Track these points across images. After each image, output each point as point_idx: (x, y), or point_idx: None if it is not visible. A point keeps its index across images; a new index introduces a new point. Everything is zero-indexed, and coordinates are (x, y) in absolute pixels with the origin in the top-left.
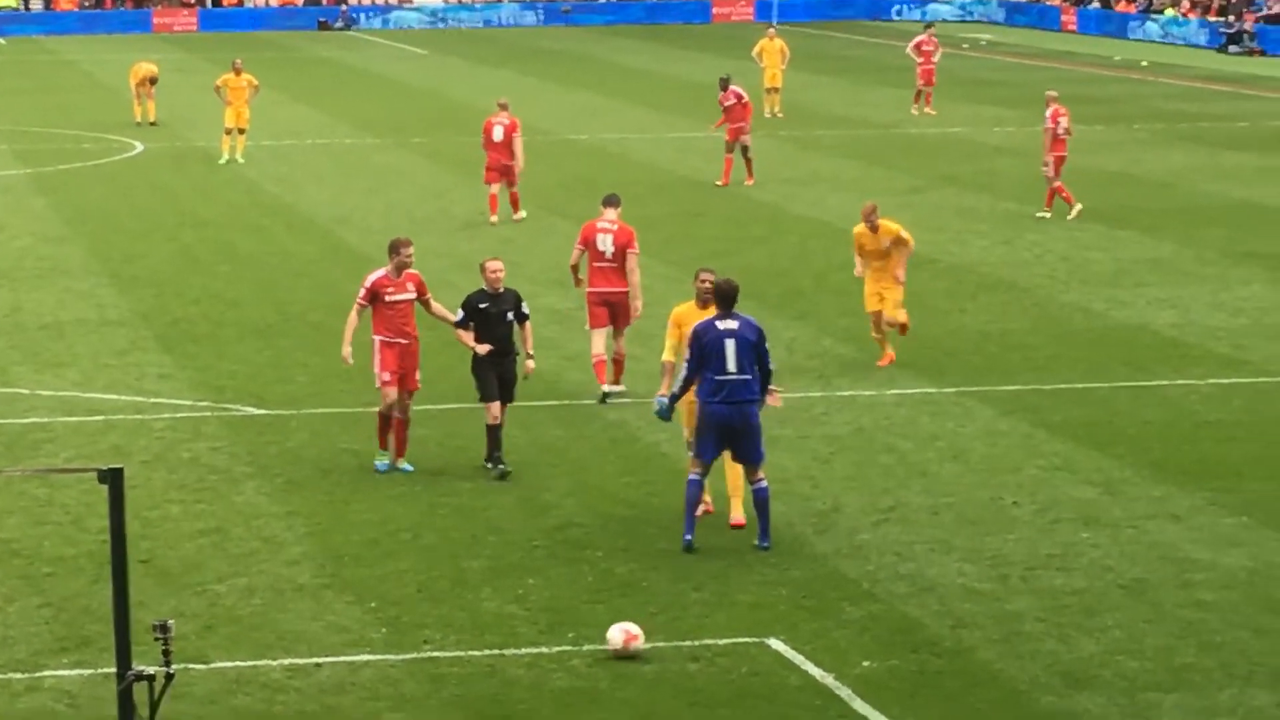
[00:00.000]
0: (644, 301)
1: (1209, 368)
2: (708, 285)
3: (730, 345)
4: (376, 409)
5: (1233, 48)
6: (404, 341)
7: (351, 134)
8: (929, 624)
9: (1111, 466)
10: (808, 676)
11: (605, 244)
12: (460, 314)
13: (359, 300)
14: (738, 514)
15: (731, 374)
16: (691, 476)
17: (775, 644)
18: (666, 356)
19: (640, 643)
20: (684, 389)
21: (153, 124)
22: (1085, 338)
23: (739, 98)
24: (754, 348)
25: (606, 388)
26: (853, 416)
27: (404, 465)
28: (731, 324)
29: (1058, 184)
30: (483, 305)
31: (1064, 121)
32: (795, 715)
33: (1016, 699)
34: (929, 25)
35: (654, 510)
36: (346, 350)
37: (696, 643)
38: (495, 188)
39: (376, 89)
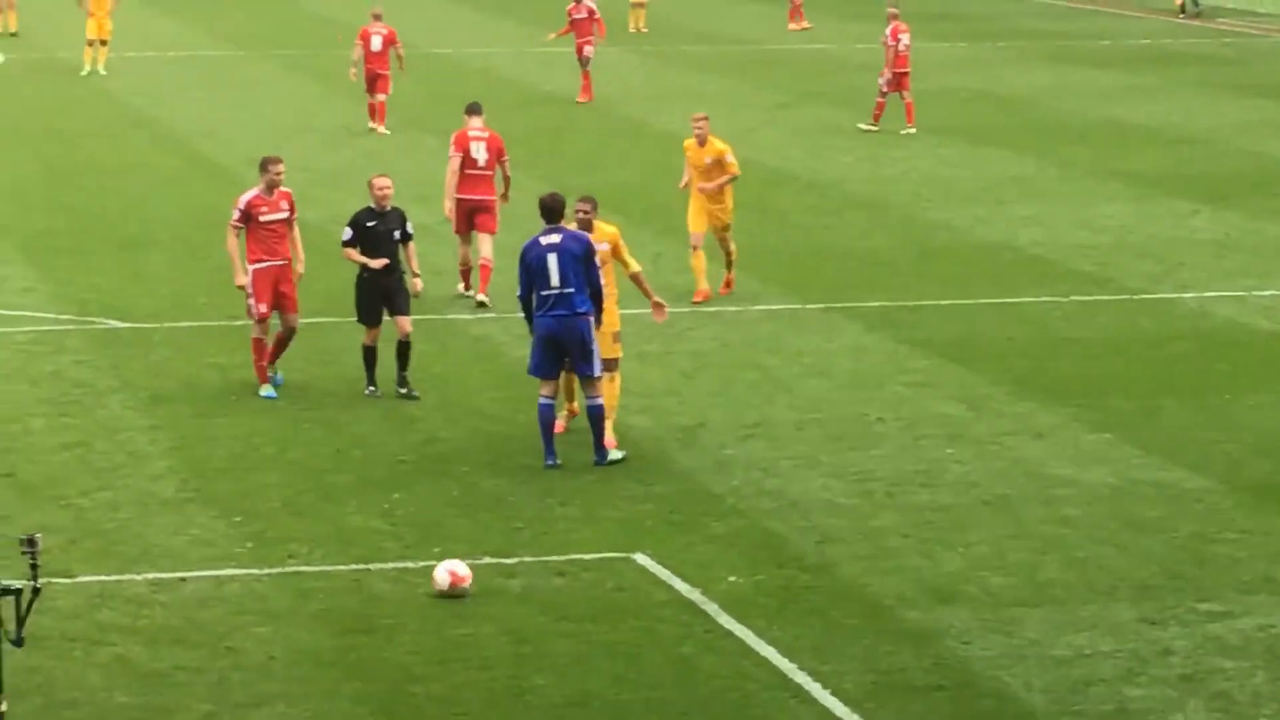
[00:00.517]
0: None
1: (1072, 285)
2: (585, 217)
3: (553, 259)
4: (252, 335)
5: None
6: (279, 263)
7: (216, 46)
8: (794, 540)
9: (976, 383)
10: (674, 591)
11: (479, 151)
12: (348, 233)
13: (234, 223)
14: (608, 436)
15: (555, 288)
16: (540, 399)
17: (641, 559)
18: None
19: (468, 584)
20: (523, 310)
21: (13, 34)
22: (949, 255)
23: (590, 12)
24: (578, 260)
25: (469, 293)
26: (718, 332)
27: (278, 376)
28: (554, 238)
29: (906, 99)
30: (370, 224)
31: (905, 38)
32: (662, 630)
33: (882, 614)
34: None
35: (520, 426)
36: (243, 278)
37: (563, 558)
38: (374, 98)
39: (240, 1)
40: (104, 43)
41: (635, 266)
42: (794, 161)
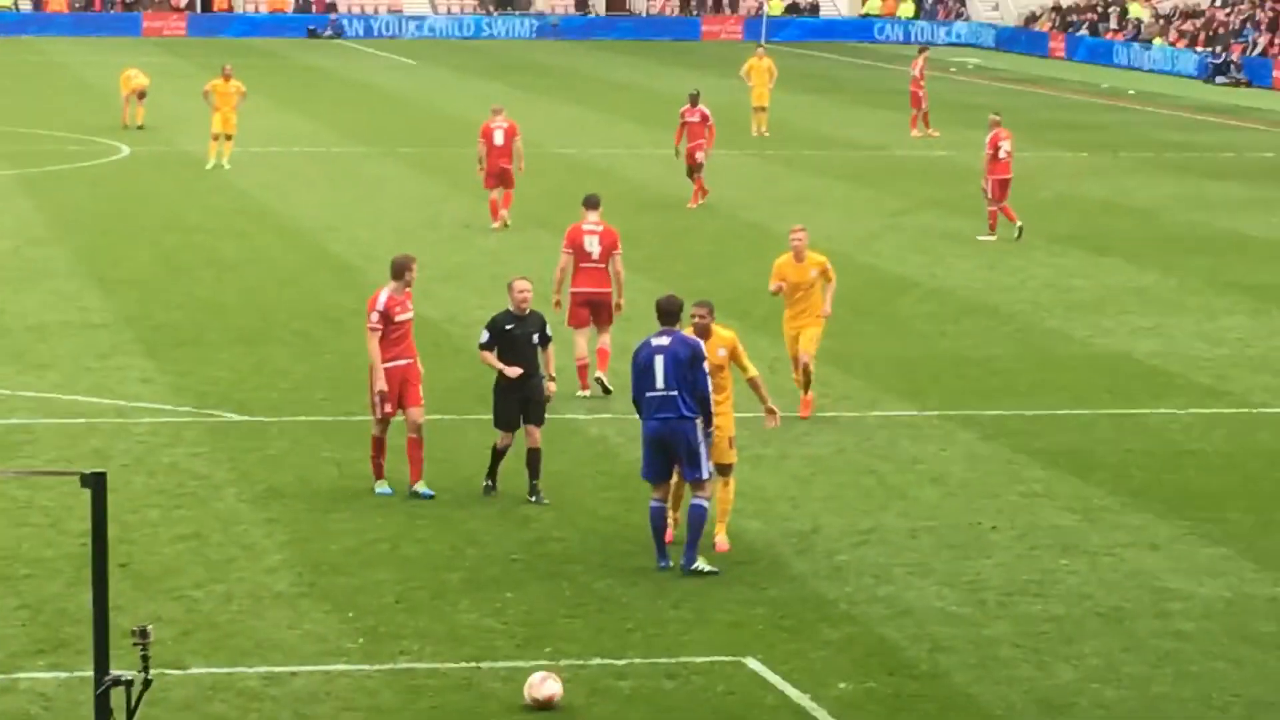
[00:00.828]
0: (627, 316)
1: (1191, 397)
2: (701, 322)
3: (659, 361)
4: (374, 434)
5: (1219, 78)
6: (407, 361)
7: (339, 142)
8: (906, 647)
9: (1091, 494)
10: (784, 697)
11: (593, 245)
12: (485, 335)
13: (374, 325)
14: (721, 539)
15: (659, 390)
16: (652, 501)
17: (752, 663)
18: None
19: (554, 686)
20: (636, 409)
21: (140, 128)
22: (1067, 364)
23: (704, 117)
24: (684, 365)
25: (587, 393)
26: (834, 437)
27: (423, 489)
28: (664, 340)
29: (1003, 205)
30: (509, 327)
31: (1005, 145)
32: None
33: None
34: (922, 48)
35: (633, 527)
36: (383, 384)
37: (673, 660)
38: (495, 193)
39: (365, 98)
40: (229, 137)
41: (753, 371)
42: (913, 268)
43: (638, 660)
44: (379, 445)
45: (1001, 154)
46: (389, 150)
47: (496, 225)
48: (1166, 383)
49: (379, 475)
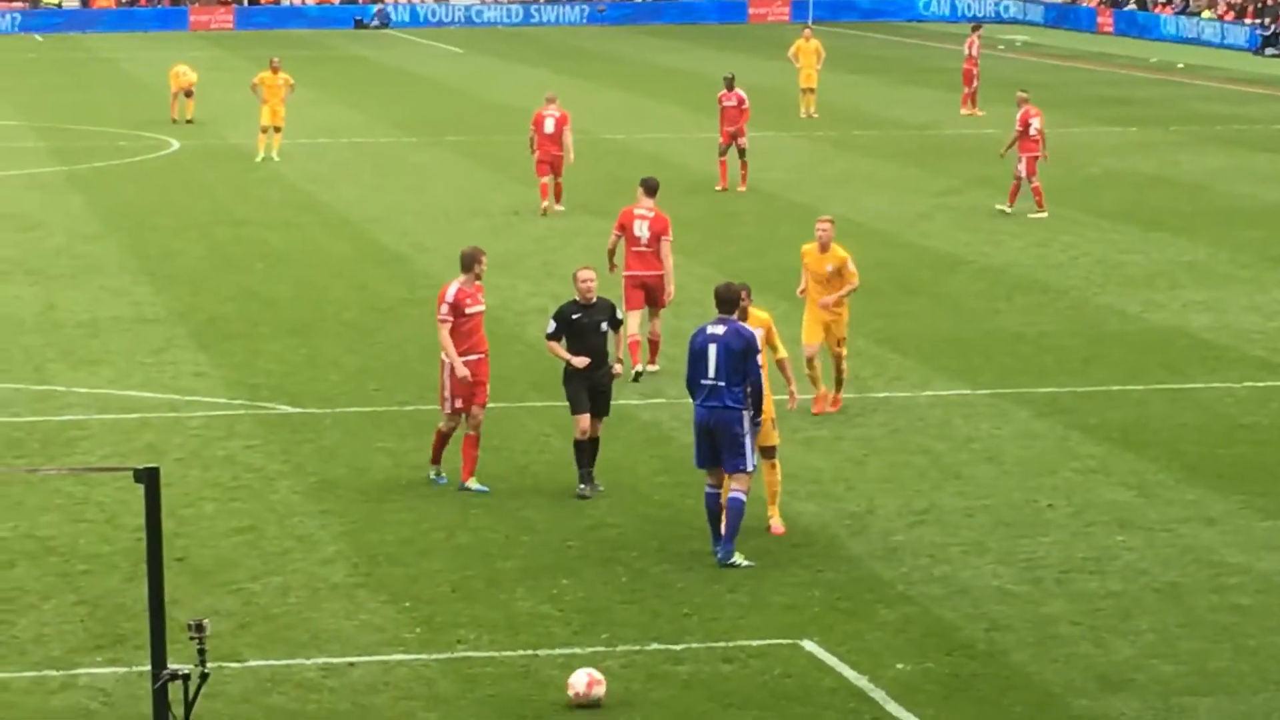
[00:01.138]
0: (677, 299)
1: (1245, 371)
2: (721, 284)
3: (713, 350)
4: (440, 427)
5: (1269, 50)
6: (478, 356)
7: (387, 133)
8: (963, 626)
9: (1147, 469)
10: (842, 679)
11: (642, 230)
12: (552, 325)
13: (444, 317)
14: (775, 522)
15: (711, 379)
16: (706, 488)
17: (809, 646)
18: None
19: (601, 689)
20: (690, 394)
21: (189, 122)
22: (1120, 340)
23: (740, 101)
24: (737, 355)
25: (640, 367)
26: (887, 418)
27: (475, 485)
28: (720, 329)
29: (1035, 184)
30: (575, 316)
31: (1036, 123)
32: (829, 718)
33: (1051, 702)
34: (975, 26)
35: (688, 511)
36: (464, 370)
37: (730, 644)
38: (546, 179)
39: (412, 88)
40: (277, 129)
41: (783, 353)
42: (964, 246)
43: (695, 645)
44: (443, 438)
45: (1032, 131)
46: (436, 139)
47: (545, 206)
48: (1220, 357)
49: (436, 461)
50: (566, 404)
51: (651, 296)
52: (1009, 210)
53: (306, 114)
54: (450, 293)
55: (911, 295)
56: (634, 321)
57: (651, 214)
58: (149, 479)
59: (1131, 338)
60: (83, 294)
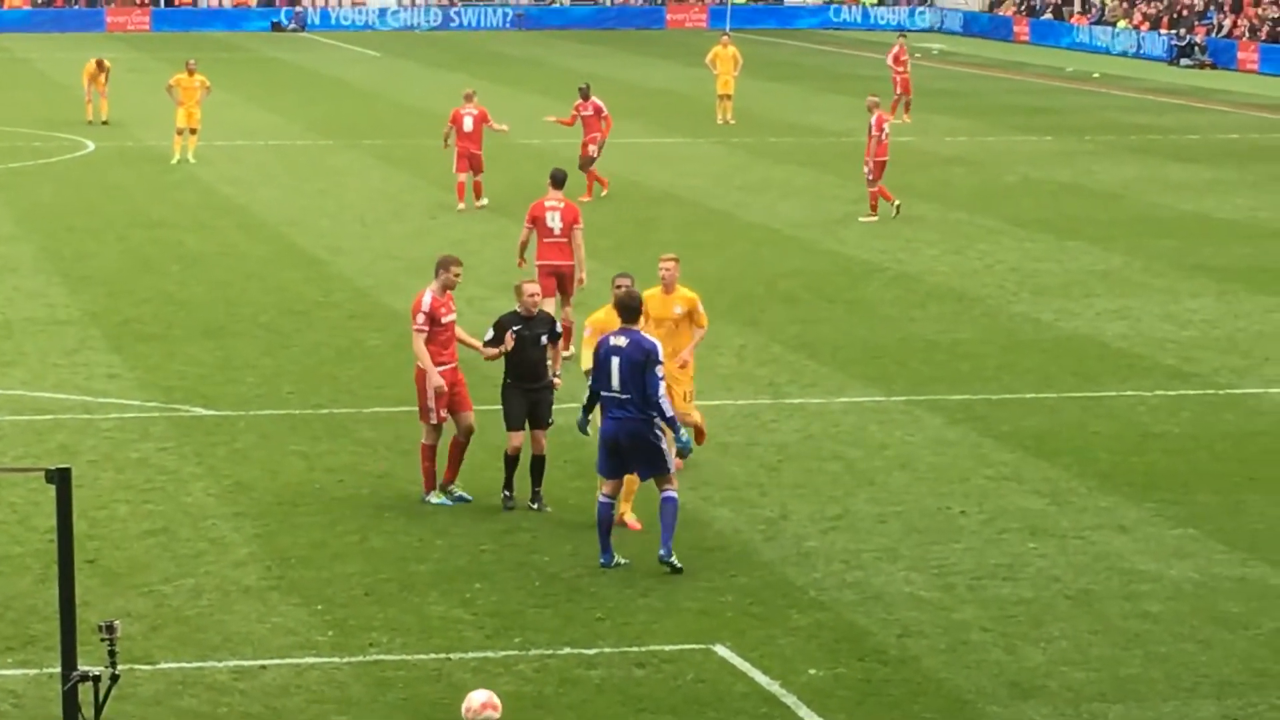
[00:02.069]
0: (588, 300)
1: (1157, 379)
2: (623, 292)
3: (615, 362)
4: (424, 441)
5: (1184, 60)
6: (452, 364)
7: (304, 135)
8: (876, 632)
9: (1059, 477)
10: (754, 684)
11: (554, 220)
12: (490, 334)
13: (420, 326)
14: (630, 518)
15: (614, 391)
16: (600, 497)
17: (721, 651)
18: (585, 365)
19: (492, 715)
20: (590, 403)
21: (104, 123)
22: (1034, 348)
23: (598, 110)
24: (639, 368)
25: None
26: (801, 424)
27: (460, 492)
28: (622, 341)
29: (879, 186)
30: (516, 327)
31: (887, 128)
32: None
33: (962, 708)
34: (902, 34)
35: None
36: (439, 380)
37: (643, 649)
38: (464, 176)
39: (329, 91)
40: (193, 131)
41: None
42: (880, 254)
43: (607, 649)
44: (430, 453)
45: (884, 136)
46: (353, 143)
47: (462, 207)
48: (1133, 365)
49: (430, 486)
50: (488, 411)
51: (564, 285)
52: (892, 211)
53: (223, 116)
54: (426, 302)
55: (827, 302)
56: (549, 309)
57: (561, 204)
58: (61, 480)
59: (1045, 345)
60: None
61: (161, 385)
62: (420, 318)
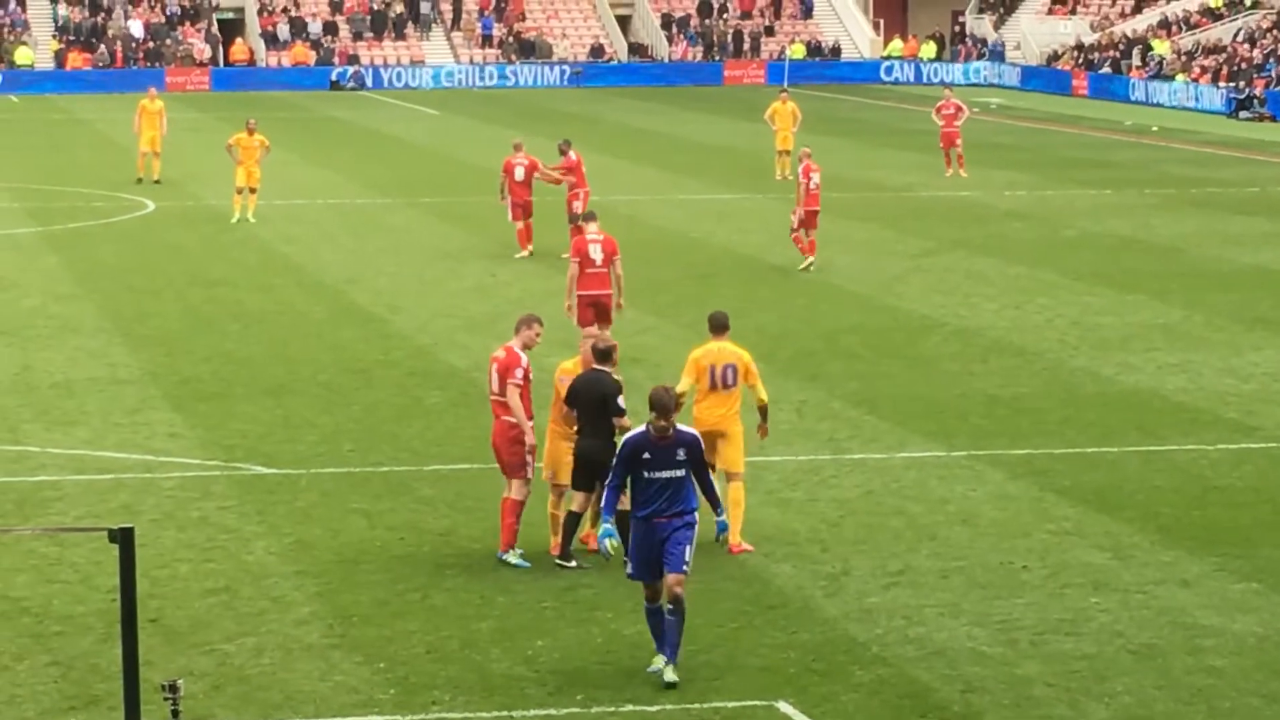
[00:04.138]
0: (653, 359)
1: (1219, 433)
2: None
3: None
4: (515, 496)
5: (1243, 113)
6: (532, 423)
7: (362, 194)
8: (938, 688)
9: (1121, 531)
10: None
11: (596, 253)
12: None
13: (519, 382)
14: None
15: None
16: (646, 606)
17: (784, 707)
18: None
19: None
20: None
21: (156, 182)
22: (1095, 402)
23: (575, 166)
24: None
25: None
26: (862, 479)
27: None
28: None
29: (810, 237)
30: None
31: (815, 178)
32: None
33: None
34: (948, 88)
35: None
36: (533, 438)
37: (705, 705)
38: (520, 224)
39: (387, 149)
40: (253, 190)
41: (762, 395)
42: (939, 308)
43: (670, 706)
44: (517, 510)
45: (812, 185)
46: (412, 200)
47: (524, 254)
48: (1194, 419)
49: (511, 544)
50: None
51: (602, 314)
52: (804, 265)
53: (282, 175)
54: (524, 360)
55: (887, 357)
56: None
57: (601, 237)
58: (123, 539)
59: (1106, 400)
60: (58, 354)
61: (222, 444)
62: (519, 373)
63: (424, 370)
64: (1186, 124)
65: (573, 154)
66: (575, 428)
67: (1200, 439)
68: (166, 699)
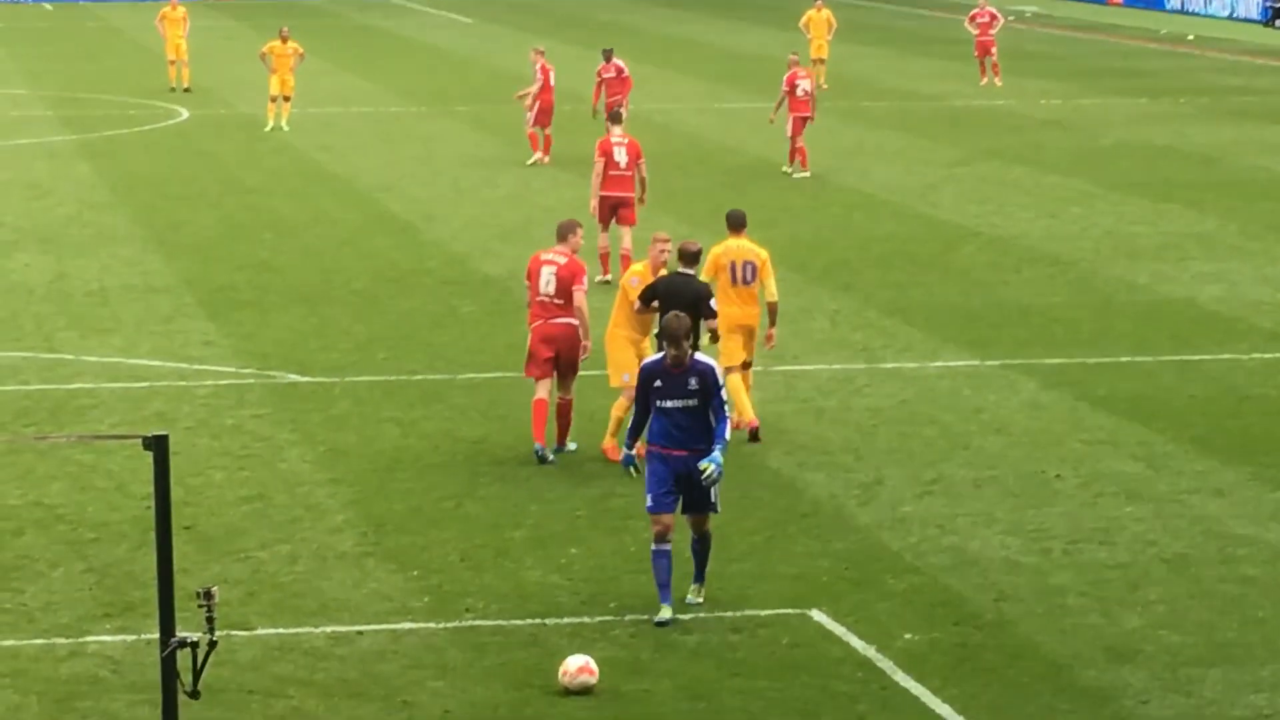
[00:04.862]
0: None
1: (1254, 342)
2: (663, 256)
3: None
4: (568, 396)
5: (1279, 22)
6: None
7: (396, 102)
8: (971, 597)
9: (1155, 441)
10: (849, 648)
11: (620, 155)
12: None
13: (584, 288)
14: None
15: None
16: (654, 547)
17: (817, 615)
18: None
19: (588, 680)
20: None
21: (186, 90)
22: (1130, 311)
23: (619, 71)
24: (708, 398)
25: (606, 278)
26: (896, 389)
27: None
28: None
29: (800, 145)
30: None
31: (804, 84)
32: (837, 687)
33: (1058, 673)
34: None
35: None
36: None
37: (738, 613)
38: (537, 130)
39: (421, 57)
40: (287, 98)
41: (773, 294)
42: (974, 218)
43: (703, 614)
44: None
45: (799, 92)
46: (446, 109)
47: (537, 158)
48: (1229, 328)
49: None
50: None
51: (623, 215)
52: (788, 170)
53: (316, 83)
54: (585, 268)
55: (921, 267)
56: (604, 236)
57: (626, 140)
58: (158, 446)
59: (1141, 309)
60: (93, 262)
61: (256, 352)
62: (585, 280)
63: (458, 278)
64: (1222, 32)
65: (617, 61)
66: (653, 331)
67: (1235, 348)
68: (201, 606)
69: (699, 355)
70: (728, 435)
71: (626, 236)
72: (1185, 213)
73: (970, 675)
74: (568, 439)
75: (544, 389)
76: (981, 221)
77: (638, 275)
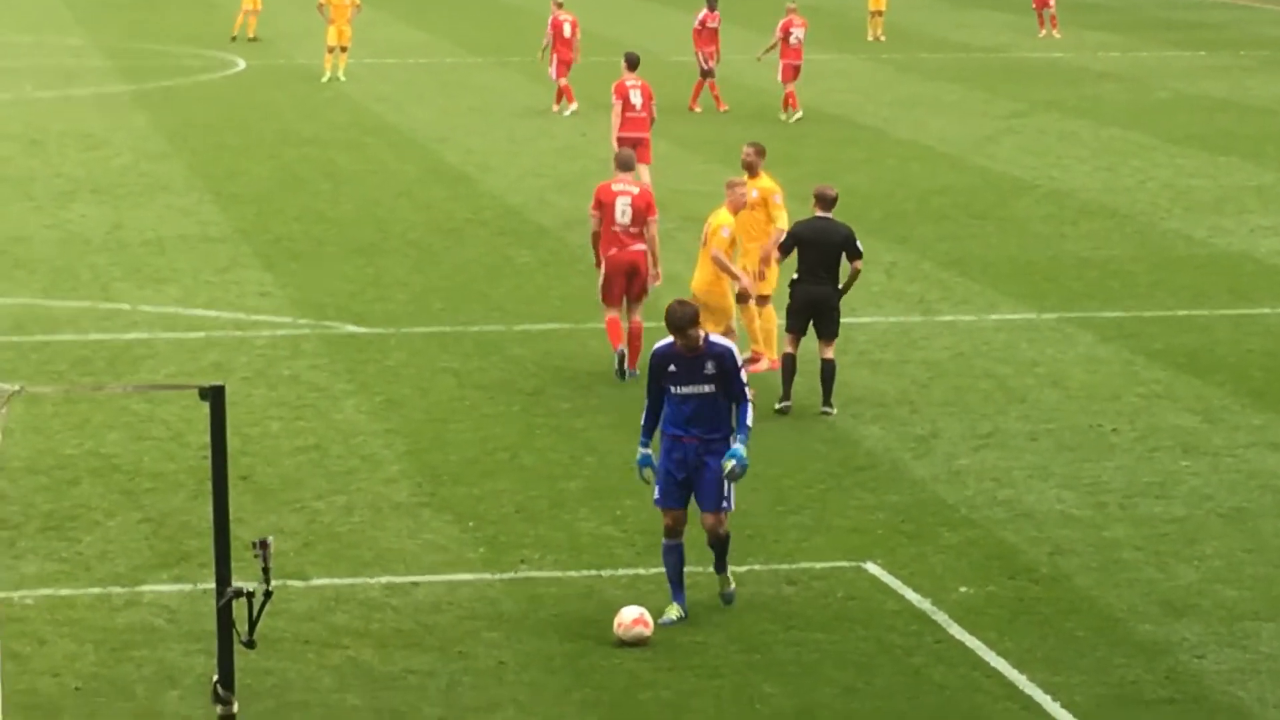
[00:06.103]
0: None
1: None
2: (751, 160)
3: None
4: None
5: None
6: None
7: (452, 53)
8: (1027, 550)
9: (1212, 394)
10: (905, 601)
11: (635, 97)
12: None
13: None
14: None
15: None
16: (664, 543)
17: (872, 568)
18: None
19: (643, 632)
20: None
21: (252, 39)
22: (1187, 264)
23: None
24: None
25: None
26: (952, 341)
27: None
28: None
29: (788, 88)
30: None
31: (798, 32)
32: (892, 640)
33: (1114, 626)
34: None
35: (754, 433)
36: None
37: (793, 566)
38: (564, 81)
39: (478, 8)
40: (344, 49)
41: (781, 224)
42: (1031, 170)
43: (758, 566)
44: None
45: (792, 40)
46: (502, 60)
47: (558, 109)
48: None
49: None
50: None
51: (640, 154)
52: (784, 117)
53: (373, 34)
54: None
55: (978, 219)
56: (644, 174)
57: (639, 83)
58: (214, 397)
59: (1198, 262)
60: (149, 213)
61: (313, 303)
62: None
63: (514, 229)
64: None
65: (715, 13)
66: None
67: None
68: (256, 556)
69: (714, 336)
70: (750, 421)
71: (644, 174)
72: (1243, 165)
73: (1025, 629)
74: (637, 364)
75: (616, 312)
76: (1039, 174)
77: (727, 226)
